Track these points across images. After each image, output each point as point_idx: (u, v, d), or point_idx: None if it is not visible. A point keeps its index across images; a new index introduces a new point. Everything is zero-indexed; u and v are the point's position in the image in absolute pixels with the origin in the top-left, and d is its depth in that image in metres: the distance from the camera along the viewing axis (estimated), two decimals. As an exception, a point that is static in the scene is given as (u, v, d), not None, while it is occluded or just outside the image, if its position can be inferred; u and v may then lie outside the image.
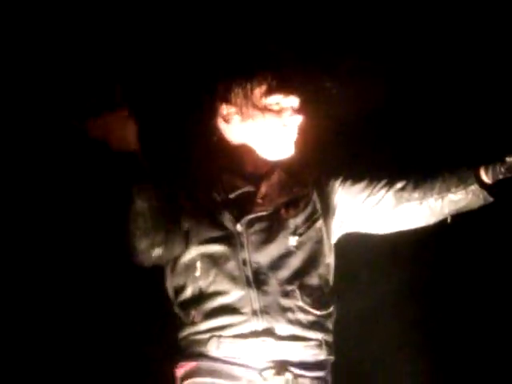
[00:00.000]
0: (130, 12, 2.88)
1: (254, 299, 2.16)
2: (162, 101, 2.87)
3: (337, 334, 2.29)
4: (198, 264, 2.21)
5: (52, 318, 2.89)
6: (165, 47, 2.91)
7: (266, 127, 2.29)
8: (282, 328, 2.15)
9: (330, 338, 2.25)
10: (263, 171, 2.32)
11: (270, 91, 2.28)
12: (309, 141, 2.44)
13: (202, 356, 2.16)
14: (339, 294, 2.33)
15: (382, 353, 3.05)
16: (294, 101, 2.31)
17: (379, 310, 3.08)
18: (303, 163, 2.39)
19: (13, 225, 2.86)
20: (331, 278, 2.31)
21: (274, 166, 2.33)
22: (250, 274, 2.18)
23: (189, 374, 2.17)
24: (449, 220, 2.31)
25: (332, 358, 2.25)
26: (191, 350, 2.18)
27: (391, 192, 2.29)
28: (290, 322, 2.16)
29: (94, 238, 2.84)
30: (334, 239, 2.36)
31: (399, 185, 2.29)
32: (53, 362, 2.87)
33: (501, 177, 2.21)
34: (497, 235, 3.13)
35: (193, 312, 2.19)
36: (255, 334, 2.14)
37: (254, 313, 2.15)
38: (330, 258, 2.31)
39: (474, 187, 2.22)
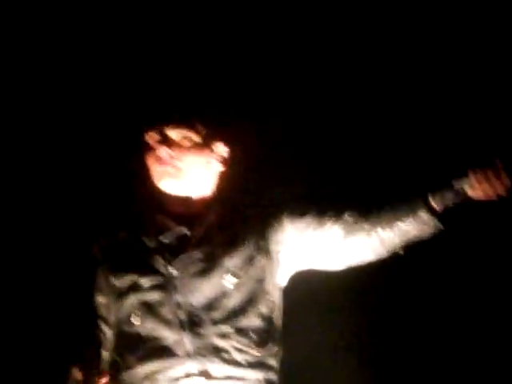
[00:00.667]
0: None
1: (187, 342, 2.16)
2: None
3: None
4: (136, 313, 2.22)
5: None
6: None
7: (151, 168, 2.31)
8: (217, 369, 2.15)
9: (273, 376, 2.23)
10: (197, 210, 2.32)
11: (146, 128, 2.32)
12: (247, 176, 2.47)
13: None
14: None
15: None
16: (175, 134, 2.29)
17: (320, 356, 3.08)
18: (245, 200, 2.42)
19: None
20: (276, 316, 2.30)
21: (211, 204, 2.33)
22: (183, 317, 2.19)
23: None
24: (401, 252, 2.27)
25: None
26: None
27: (338, 224, 2.26)
28: (226, 361, 2.16)
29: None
30: (282, 276, 2.34)
31: (346, 216, 2.26)
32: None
33: (450, 204, 2.18)
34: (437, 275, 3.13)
35: (128, 357, 2.20)
36: (190, 375, 2.14)
37: (188, 355, 2.15)
38: (274, 297, 2.30)
39: (424, 215, 2.18)
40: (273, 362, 2.23)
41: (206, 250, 2.26)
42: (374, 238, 2.25)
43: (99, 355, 2.23)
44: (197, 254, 2.25)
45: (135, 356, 2.19)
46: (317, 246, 2.31)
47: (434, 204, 2.19)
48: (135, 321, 2.21)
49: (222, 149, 2.35)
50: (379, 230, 2.23)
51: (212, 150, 2.33)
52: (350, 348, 3.09)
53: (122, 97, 2.97)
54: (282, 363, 2.29)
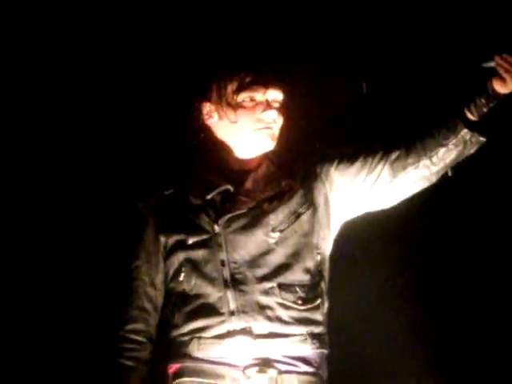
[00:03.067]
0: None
1: (231, 299, 2.19)
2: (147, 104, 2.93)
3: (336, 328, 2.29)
4: (183, 269, 2.25)
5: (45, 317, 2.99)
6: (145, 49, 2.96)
7: (240, 124, 2.29)
8: (261, 326, 2.17)
9: (318, 329, 2.23)
10: (250, 166, 2.33)
11: (240, 87, 2.29)
12: (298, 132, 2.45)
13: (186, 357, 2.21)
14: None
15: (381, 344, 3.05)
16: (270, 95, 2.31)
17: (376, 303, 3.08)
18: (293, 154, 2.40)
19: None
20: (324, 270, 2.30)
21: (262, 159, 2.34)
22: (227, 274, 2.21)
23: (176, 375, 2.23)
24: (450, 173, 2.29)
25: (324, 351, 2.24)
26: (177, 352, 2.24)
27: (387, 165, 2.27)
28: (269, 319, 2.17)
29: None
30: (333, 229, 2.34)
31: (393, 156, 2.27)
32: (44, 361, 2.97)
33: (485, 110, 2.19)
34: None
35: (176, 314, 2.25)
36: (234, 333, 2.17)
37: (232, 313, 2.18)
38: (322, 249, 2.30)
39: (463, 132, 2.21)
40: (318, 316, 2.24)
41: (251, 206, 2.26)
42: (421, 169, 2.26)
43: (143, 318, 2.28)
44: (241, 211, 2.25)
45: (181, 314, 2.23)
46: (369, 191, 2.31)
47: (471, 116, 2.20)
48: (181, 277, 2.24)
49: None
50: (425, 160, 2.25)
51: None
52: (393, 300, 3.08)
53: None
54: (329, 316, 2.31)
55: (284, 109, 2.35)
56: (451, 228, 3.13)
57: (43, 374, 2.97)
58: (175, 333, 2.24)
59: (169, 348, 2.27)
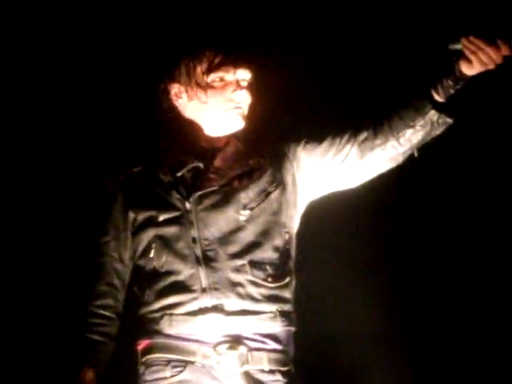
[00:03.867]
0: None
1: (203, 276, 2.20)
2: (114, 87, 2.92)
3: (300, 306, 2.30)
4: (153, 245, 2.25)
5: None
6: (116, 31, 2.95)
7: (210, 104, 2.30)
8: (233, 303, 2.18)
9: (287, 307, 2.25)
10: (219, 144, 2.34)
11: (210, 68, 2.29)
12: (266, 111, 2.45)
13: (157, 333, 2.21)
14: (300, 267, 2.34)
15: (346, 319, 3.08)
16: (240, 75, 2.31)
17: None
18: (261, 133, 2.40)
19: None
20: (291, 248, 2.32)
21: (230, 138, 2.35)
22: (199, 251, 2.21)
23: (146, 351, 2.23)
24: (416, 154, 2.30)
25: (292, 328, 2.26)
26: (147, 328, 2.24)
27: (355, 145, 2.29)
28: (241, 296, 2.19)
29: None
30: (300, 208, 2.36)
31: (361, 136, 2.29)
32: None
33: (452, 91, 2.21)
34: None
35: (147, 291, 2.24)
36: (205, 310, 2.18)
37: (204, 290, 2.19)
38: (290, 228, 2.32)
39: (431, 113, 2.22)
40: (287, 294, 2.26)
41: (222, 184, 2.27)
42: (388, 149, 2.28)
43: (112, 294, 2.28)
44: (213, 189, 2.26)
45: (152, 291, 2.23)
46: (337, 171, 2.33)
47: (438, 98, 2.22)
48: (151, 254, 2.24)
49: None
50: (392, 141, 2.27)
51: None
52: (366, 274, 3.12)
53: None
54: (298, 293, 2.32)
55: (253, 88, 2.35)
56: (421, 201, 3.18)
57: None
58: (145, 309, 2.24)
59: (138, 325, 2.26)
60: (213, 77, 2.29)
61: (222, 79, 2.30)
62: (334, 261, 3.10)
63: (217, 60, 2.29)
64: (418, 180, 3.07)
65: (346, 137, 2.30)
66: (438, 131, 2.26)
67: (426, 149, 2.30)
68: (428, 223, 3.19)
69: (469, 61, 2.17)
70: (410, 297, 3.15)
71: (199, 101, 2.29)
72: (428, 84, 2.24)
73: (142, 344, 2.24)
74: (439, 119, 2.23)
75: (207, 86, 2.29)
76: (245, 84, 2.32)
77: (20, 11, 2.95)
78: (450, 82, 2.21)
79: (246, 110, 2.34)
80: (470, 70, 2.18)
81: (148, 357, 2.21)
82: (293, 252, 2.34)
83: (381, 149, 2.28)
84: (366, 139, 2.28)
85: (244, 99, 2.32)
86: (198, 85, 2.29)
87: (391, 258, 3.15)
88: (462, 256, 3.16)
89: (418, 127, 2.24)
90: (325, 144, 2.32)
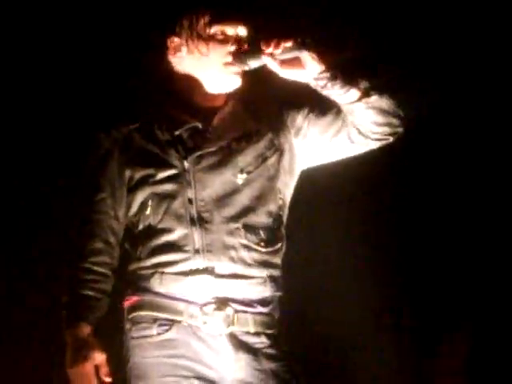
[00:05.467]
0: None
1: (197, 237, 2.19)
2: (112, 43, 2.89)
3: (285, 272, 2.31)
4: (149, 203, 2.23)
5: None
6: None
7: (211, 57, 2.28)
8: (224, 266, 2.18)
9: (276, 273, 2.26)
10: (217, 104, 2.32)
11: (213, 20, 2.27)
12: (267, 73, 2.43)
13: (146, 291, 2.21)
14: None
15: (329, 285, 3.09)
16: (241, 31, 2.30)
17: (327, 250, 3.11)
18: (262, 95, 2.39)
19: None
20: (284, 215, 2.32)
21: (228, 98, 2.33)
22: (194, 212, 2.20)
23: (133, 308, 2.23)
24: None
25: (278, 293, 2.27)
26: (136, 285, 2.23)
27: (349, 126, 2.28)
28: (233, 260, 2.19)
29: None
30: (295, 175, 2.36)
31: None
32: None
33: (334, 92, 2.18)
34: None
35: (140, 248, 2.23)
36: (196, 271, 2.18)
37: (196, 251, 2.18)
38: (284, 195, 2.32)
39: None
40: (277, 260, 2.27)
41: (221, 144, 2.25)
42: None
43: (108, 251, 2.26)
44: (211, 149, 2.24)
45: (145, 247, 2.22)
46: (334, 146, 2.32)
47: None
48: (147, 211, 2.22)
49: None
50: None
51: None
52: (357, 239, 3.13)
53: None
54: (288, 259, 2.33)
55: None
56: (414, 176, 3.18)
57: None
58: (136, 266, 2.23)
59: (127, 281, 2.26)
60: (215, 29, 2.27)
61: (223, 33, 2.28)
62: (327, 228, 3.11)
63: (219, 13, 2.28)
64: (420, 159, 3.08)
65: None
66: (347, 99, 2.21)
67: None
68: (422, 197, 3.20)
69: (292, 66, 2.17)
70: (400, 265, 3.18)
71: (200, 53, 2.27)
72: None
73: (130, 300, 2.24)
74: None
75: (209, 38, 2.27)
76: (243, 39, 2.29)
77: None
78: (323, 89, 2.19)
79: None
80: (308, 68, 2.16)
81: (135, 314, 2.22)
82: (285, 218, 2.33)
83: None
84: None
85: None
86: (200, 36, 2.27)
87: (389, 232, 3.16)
88: (460, 240, 3.18)
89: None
90: (328, 118, 2.30)
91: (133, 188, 2.25)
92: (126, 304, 2.26)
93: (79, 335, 2.17)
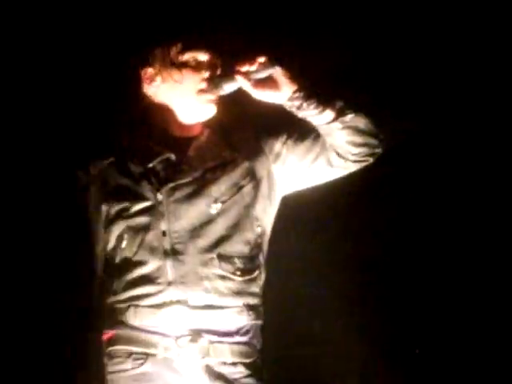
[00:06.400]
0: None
1: (169, 269, 2.18)
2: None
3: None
4: (125, 236, 2.24)
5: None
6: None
7: (185, 84, 2.29)
8: (198, 297, 2.17)
9: (254, 301, 2.24)
10: (192, 134, 2.32)
11: (185, 48, 2.29)
12: (243, 100, 2.44)
13: (121, 324, 2.20)
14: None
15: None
16: (212, 56, 2.31)
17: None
18: (239, 123, 2.40)
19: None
20: (264, 242, 2.31)
21: (204, 128, 2.33)
22: (167, 244, 2.20)
23: (109, 342, 2.23)
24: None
25: (259, 322, 2.25)
26: (112, 319, 2.23)
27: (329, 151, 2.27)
28: (207, 290, 2.18)
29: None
30: (275, 202, 2.34)
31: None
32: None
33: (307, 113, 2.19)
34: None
35: (116, 281, 2.24)
36: (170, 303, 2.17)
37: (170, 283, 2.18)
38: (263, 221, 2.30)
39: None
40: (255, 288, 2.25)
41: (195, 175, 2.25)
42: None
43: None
44: (184, 180, 2.24)
45: (121, 281, 2.22)
46: (313, 171, 2.31)
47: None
48: (123, 245, 2.23)
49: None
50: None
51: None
52: (335, 261, 3.11)
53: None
54: (268, 282, 2.31)
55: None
56: (400, 192, 3.17)
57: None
58: (112, 299, 2.23)
59: (104, 314, 2.26)
60: (187, 56, 2.29)
61: (195, 59, 2.29)
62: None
63: (191, 40, 2.29)
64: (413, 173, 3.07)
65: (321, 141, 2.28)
66: (320, 120, 2.21)
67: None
68: (408, 213, 3.19)
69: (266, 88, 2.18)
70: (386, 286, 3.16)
71: (174, 81, 2.28)
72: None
73: (107, 334, 2.24)
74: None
75: (182, 65, 2.28)
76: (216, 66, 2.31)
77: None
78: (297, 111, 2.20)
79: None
80: (282, 90, 2.17)
81: (111, 348, 2.21)
82: (265, 246, 2.32)
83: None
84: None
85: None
86: (173, 64, 2.29)
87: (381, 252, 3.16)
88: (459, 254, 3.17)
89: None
90: (307, 144, 2.30)
91: (109, 223, 2.26)
92: (104, 338, 2.25)
93: None
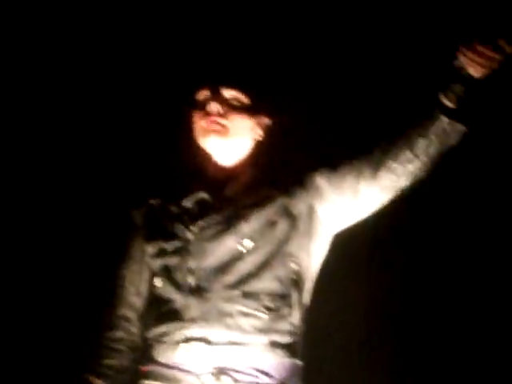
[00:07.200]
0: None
1: (193, 307, 2.22)
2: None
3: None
4: (159, 274, 2.31)
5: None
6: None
7: (195, 123, 2.36)
8: (219, 334, 2.19)
9: (283, 339, 2.22)
10: (231, 173, 2.36)
11: (199, 86, 2.36)
12: (289, 141, 2.47)
13: (151, 360, 2.27)
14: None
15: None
16: (225, 93, 2.33)
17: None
18: (282, 161, 2.41)
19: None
20: (301, 280, 2.29)
21: (248, 168, 2.37)
22: (193, 281, 2.24)
23: (144, 377, 2.29)
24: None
25: (293, 360, 2.22)
26: (146, 353, 2.30)
27: (372, 177, 2.24)
28: (228, 327, 2.19)
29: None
30: (317, 239, 2.32)
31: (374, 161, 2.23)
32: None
33: (462, 95, 2.10)
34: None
35: (149, 317, 2.32)
36: (192, 340, 2.20)
37: (193, 320, 2.21)
38: (298, 259, 2.28)
39: (442, 120, 2.13)
40: (284, 325, 2.22)
41: (226, 214, 2.28)
42: (404, 163, 2.19)
43: (124, 327, 2.36)
44: (214, 219, 2.28)
45: (152, 317, 2.29)
46: (360, 203, 2.29)
47: (448, 103, 2.12)
48: (157, 283, 2.30)
49: (265, 118, 2.39)
50: (408, 153, 2.17)
51: (257, 117, 2.37)
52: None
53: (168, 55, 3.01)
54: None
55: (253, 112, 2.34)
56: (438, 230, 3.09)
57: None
58: (146, 334, 2.31)
59: (143, 349, 2.33)
60: (197, 95, 2.35)
61: (199, 97, 2.35)
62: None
63: (198, 79, 2.36)
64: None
65: (362, 163, 2.25)
66: (453, 140, 2.15)
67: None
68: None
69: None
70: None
71: (193, 122, 2.36)
72: (437, 90, 2.15)
73: (143, 369, 2.30)
74: (451, 126, 2.13)
75: (193, 105, 2.36)
76: (234, 102, 2.33)
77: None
78: (459, 86, 2.11)
79: (230, 127, 2.32)
80: (476, 71, 2.08)
81: (145, 382, 2.28)
82: (303, 284, 2.29)
83: (396, 163, 2.20)
84: (379, 163, 2.22)
85: (219, 112, 2.31)
86: (191, 105, 2.36)
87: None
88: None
89: (432, 136, 2.15)
90: (349, 178, 2.27)
91: (150, 262, 2.35)
92: (141, 372, 2.32)
93: None
